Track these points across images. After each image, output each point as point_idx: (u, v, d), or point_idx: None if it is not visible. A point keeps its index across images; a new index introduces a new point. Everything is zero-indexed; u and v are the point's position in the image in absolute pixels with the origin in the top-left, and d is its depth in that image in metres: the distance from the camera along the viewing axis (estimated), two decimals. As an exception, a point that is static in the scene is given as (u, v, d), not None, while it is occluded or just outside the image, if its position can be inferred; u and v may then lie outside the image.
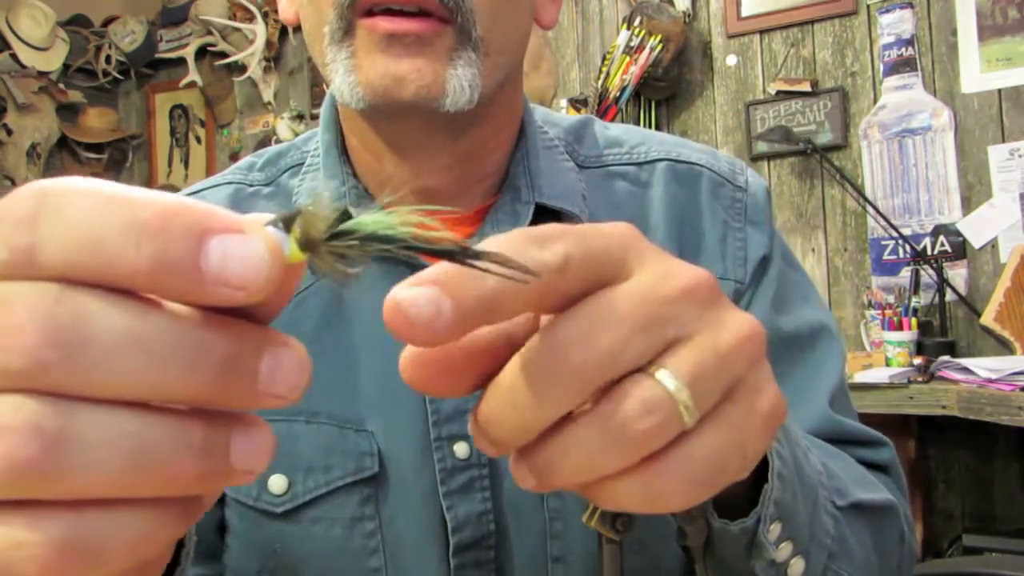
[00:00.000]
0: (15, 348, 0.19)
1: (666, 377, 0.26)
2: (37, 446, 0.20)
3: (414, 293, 0.23)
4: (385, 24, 0.51)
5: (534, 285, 0.24)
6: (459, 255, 0.23)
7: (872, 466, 0.61)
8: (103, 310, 0.20)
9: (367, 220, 0.23)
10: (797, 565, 0.44)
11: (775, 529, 0.42)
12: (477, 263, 0.23)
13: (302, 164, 0.66)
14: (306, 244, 0.22)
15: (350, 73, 0.53)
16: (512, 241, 0.25)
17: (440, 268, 0.24)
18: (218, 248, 0.20)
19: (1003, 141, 2.23)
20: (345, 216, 0.23)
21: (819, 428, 0.60)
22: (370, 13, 0.52)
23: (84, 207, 0.20)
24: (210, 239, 0.21)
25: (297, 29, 0.61)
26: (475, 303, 0.24)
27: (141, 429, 0.21)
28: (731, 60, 2.59)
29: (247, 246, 0.21)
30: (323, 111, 0.65)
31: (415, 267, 0.59)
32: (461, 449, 0.57)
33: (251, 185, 0.66)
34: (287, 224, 0.22)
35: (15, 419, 0.20)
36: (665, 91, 2.59)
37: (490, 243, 0.25)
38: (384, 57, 0.52)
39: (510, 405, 0.26)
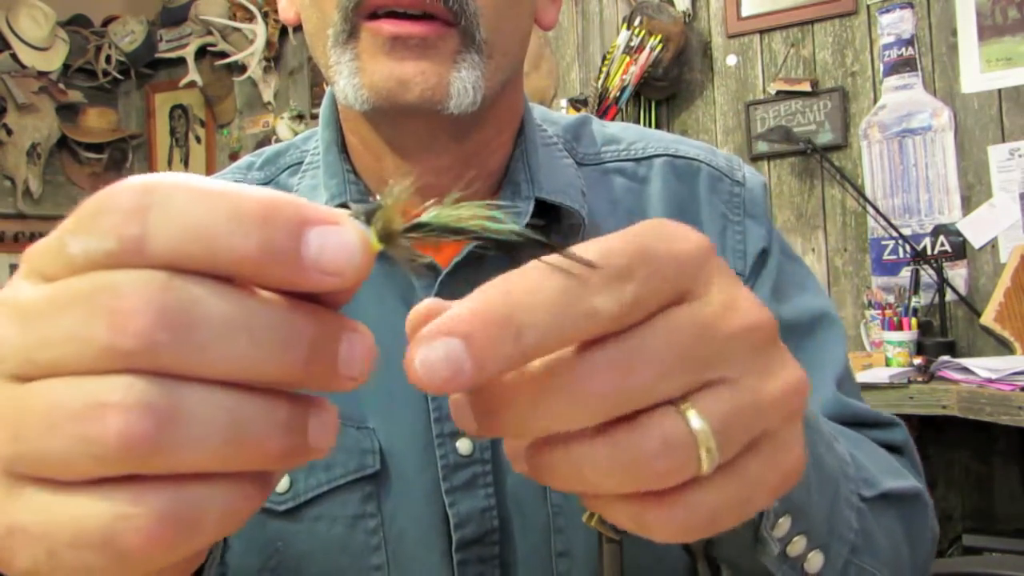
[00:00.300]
0: (128, 331, 0.21)
1: (695, 418, 0.24)
2: (150, 423, 0.21)
3: (430, 356, 0.23)
4: (390, 27, 0.52)
5: (582, 327, 0.23)
6: (524, 246, 0.24)
7: (886, 447, 0.61)
8: (208, 296, 0.21)
9: (439, 214, 0.24)
10: (815, 559, 0.43)
11: (784, 523, 0.42)
12: (541, 253, 0.24)
13: (301, 163, 0.66)
14: (384, 236, 0.24)
15: (354, 75, 0.53)
16: (583, 273, 0.24)
17: (471, 312, 0.23)
18: (317, 237, 0.22)
19: (1003, 141, 2.23)
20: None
21: (830, 412, 0.60)
22: (374, 16, 0.52)
23: (190, 200, 0.21)
24: (309, 229, 0.22)
25: (297, 29, 0.61)
26: (501, 361, 0.23)
27: (238, 407, 0.22)
28: (731, 60, 2.59)
29: (342, 236, 0.22)
30: (323, 109, 0.65)
31: (420, 267, 0.59)
32: (464, 446, 0.57)
33: (250, 184, 0.67)
34: (368, 217, 0.24)
35: (128, 397, 0.21)
36: (665, 91, 2.59)
37: (551, 261, 0.24)
38: (388, 60, 0.52)
39: (526, 403, 0.24)
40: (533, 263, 0.24)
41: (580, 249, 0.24)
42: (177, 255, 0.21)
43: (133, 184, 0.22)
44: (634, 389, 0.24)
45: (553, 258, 0.24)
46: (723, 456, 0.25)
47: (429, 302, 0.27)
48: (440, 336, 0.23)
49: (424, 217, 0.25)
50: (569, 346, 0.24)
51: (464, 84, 0.53)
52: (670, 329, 0.24)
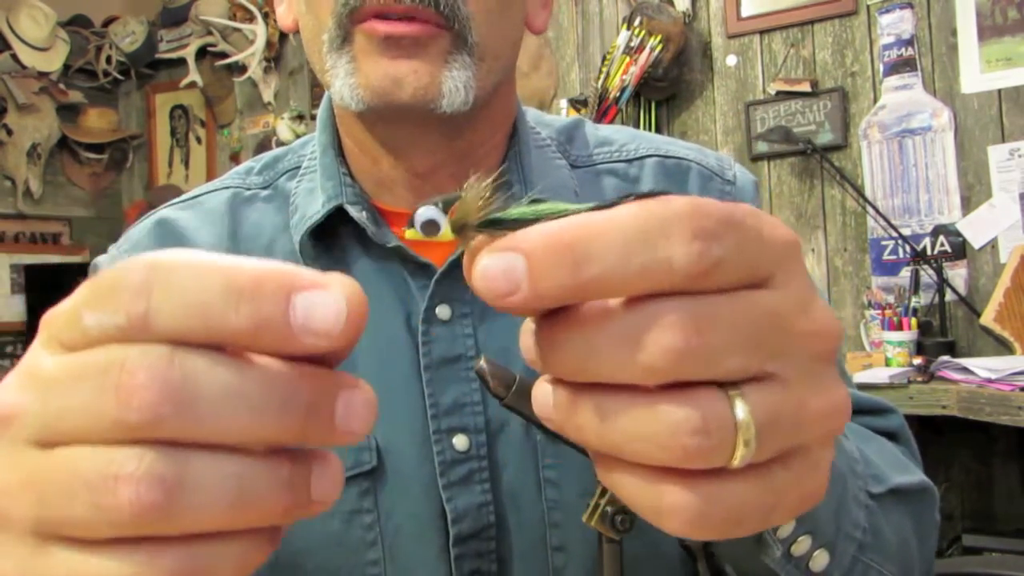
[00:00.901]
0: (136, 405, 0.22)
1: (741, 407, 0.24)
2: (159, 492, 0.22)
3: (491, 266, 0.23)
4: (383, 27, 0.53)
5: (651, 275, 0.23)
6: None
7: (882, 434, 0.62)
8: (209, 368, 0.23)
9: (513, 212, 0.25)
10: (820, 558, 0.43)
11: (787, 525, 0.42)
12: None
13: (299, 167, 0.67)
14: (458, 228, 0.25)
15: (350, 76, 0.54)
16: (665, 219, 0.23)
17: (539, 233, 0.23)
18: (303, 303, 0.23)
19: (1003, 141, 2.23)
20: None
21: None
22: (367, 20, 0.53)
23: (188, 277, 0.23)
24: (295, 296, 0.23)
25: (296, 34, 0.62)
26: (558, 289, 0.23)
27: (242, 470, 0.23)
28: (731, 60, 2.59)
29: (328, 298, 0.23)
30: (319, 113, 0.66)
31: (413, 265, 0.60)
32: (460, 442, 0.58)
33: (249, 188, 0.68)
34: (445, 207, 0.25)
35: (139, 468, 0.22)
36: (665, 91, 2.59)
37: (639, 207, 0.23)
38: (383, 58, 0.53)
39: (585, 341, 0.24)
40: (621, 205, 0.24)
41: (673, 197, 0.23)
42: (178, 330, 0.23)
43: (140, 263, 0.23)
44: (696, 354, 0.23)
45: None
46: (758, 455, 0.24)
47: None
48: (506, 249, 0.23)
49: (501, 213, 0.25)
50: (636, 292, 0.23)
51: (456, 83, 0.54)
52: (748, 306, 0.24)
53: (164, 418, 0.22)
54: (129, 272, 0.23)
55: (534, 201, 0.25)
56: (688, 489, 0.24)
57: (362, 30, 0.53)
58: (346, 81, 0.54)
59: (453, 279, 0.59)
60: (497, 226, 0.25)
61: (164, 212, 0.68)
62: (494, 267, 0.23)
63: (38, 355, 0.25)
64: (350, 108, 0.55)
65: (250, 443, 0.24)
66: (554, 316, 0.25)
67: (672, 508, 0.24)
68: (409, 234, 0.27)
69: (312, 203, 0.62)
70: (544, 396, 0.26)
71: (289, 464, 0.24)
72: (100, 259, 0.68)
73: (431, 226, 0.26)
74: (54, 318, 0.25)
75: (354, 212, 0.60)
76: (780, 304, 0.24)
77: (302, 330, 0.23)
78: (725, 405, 0.24)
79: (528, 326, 0.26)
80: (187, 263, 0.23)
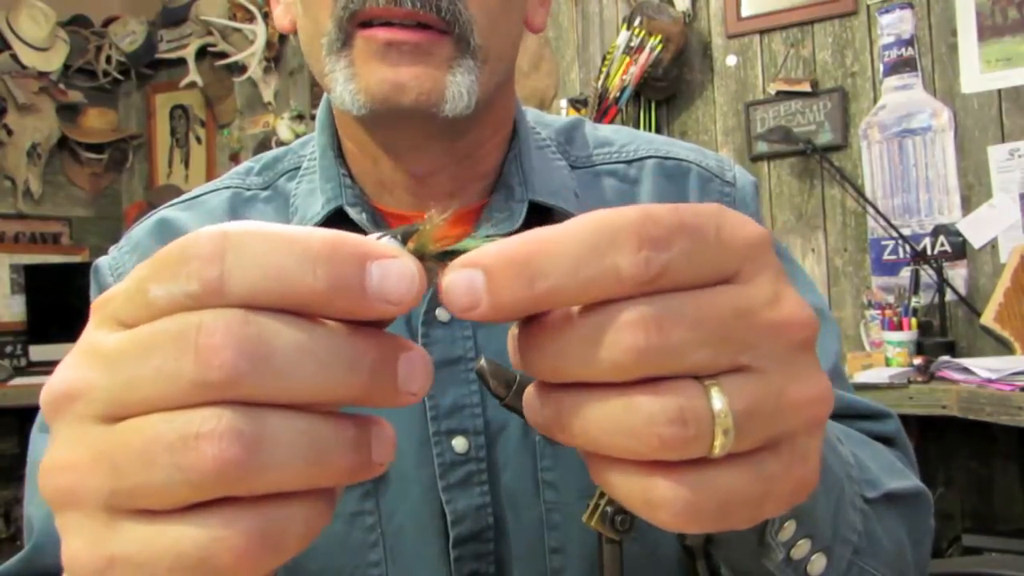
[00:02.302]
0: (215, 365, 0.23)
1: (718, 397, 0.24)
2: (240, 448, 0.22)
3: (454, 282, 0.25)
4: (384, 34, 0.52)
5: (602, 284, 0.24)
6: None
7: (878, 439, 0.62)
8: (282, 329, 0.23)
9: (468, 244, 0.26)
10: (818, 562, 0.44)
11: (789, 527, 0.42)
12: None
13: (299, 168, 0.67)
14: (418, 256, 0.26)
15: (350, 81, 0.54)
16: (613, 231, 0.24)
17: (497, 250, 0.25)
18: (378, 270, 0.24)
19: (1003, 141, 2.23)
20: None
21: None
22: (368, 24, 0.53)
23: (263, 243, 0.24)
24: (371, 263, 0.24)
25: (294, 34, 0.62)
26: (515, 302, 0.24)
27: (314, 429, 0.24)
28: (731, 60, 2.59)
29: (402, 267, 0.24)
30: (318, 114, 0.66)
31: None
32: (459, 444, 0.58)
33: (248, 189, 0.68)
34: (404, 238, 0.26)
35: (219, 426, 0.23)
36: (665, 91, 2.59)
37: (590, 219, 0.24)
38: (382, 65, 0.53)
39: (557, 345, 0.25)
40: (573, 219, 0.25)
41: (623, 208, 0.25)
42: (253, 294, 0.23)
43: (210, 232, 0.24)
44: (660, 350, 0.24)
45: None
46: (738, 444, 0.25)
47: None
48: (467, 265, 0.25)
49: (456, 245, 0.26)
50: (591, 300, 0.25)
51: (459, 88, 0.54)
52: (708, 301, 0.25)
53: (243, 375, 0.23)
54: (200, 241, 0.24)
55: (487, 237, 0.26)
56: (676, 481, 0.25)
57: (363, 36, 0.53)
58: (346, 87, 0.54)
59: None
60: (453, 257, 0.26)
61: (164, 212, 0.68)
62: (457, 282, 0.25)
63: (95, 335, 0.25)
64: (351, 112, 0.55)
65: (321, 402, 0.24)
66: (530, 321, 0.26)
67: (663, 500, 0.25)
68: None
69: (312, 205, 0.62)
70: (532, 400, 0.27)
71: (353, 426, 0.25)
72: (100, 261, 0.68)
73: None
74: (109, 299, 0.26)
75: (354, 214, 0.60)
76: (746, 298, 0.25)
77: (377, 295, 0.24)
78: (701, 395, 0.24)
79: (512, 331, 0.27)
80: (259, 230, 0.24)
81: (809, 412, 0.26)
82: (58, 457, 0.25)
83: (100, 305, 0.26)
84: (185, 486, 0.23)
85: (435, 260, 0.26)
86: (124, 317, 0.25)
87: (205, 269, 0.23)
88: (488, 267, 0.24)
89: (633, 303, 0.24)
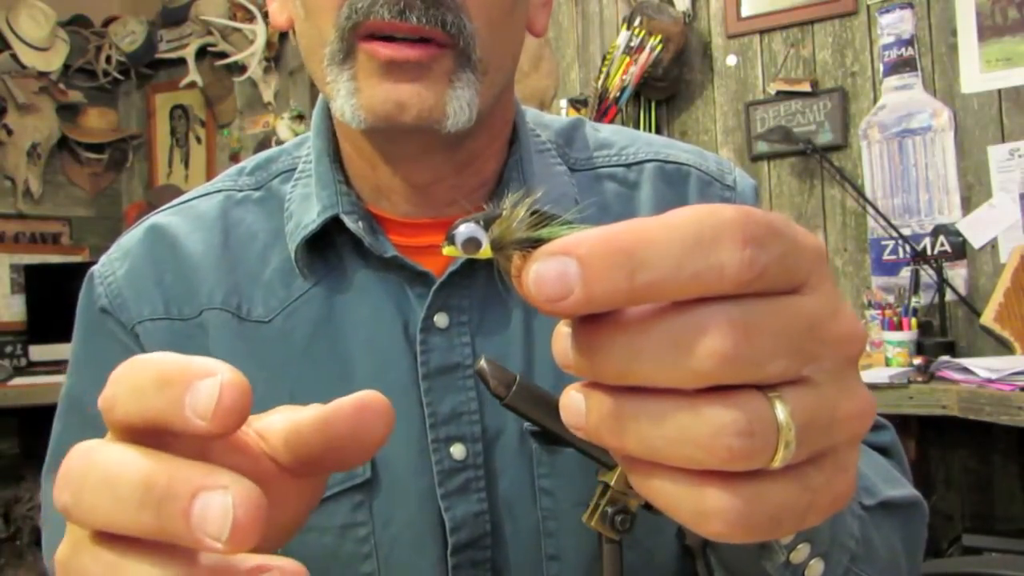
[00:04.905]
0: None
1: (782, 408, 0.24)
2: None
3: (543, 270, 0.23)
4: (386, 51, 0.52)
5: (704, 280, 0.23)
6: None
7: (874, 449, 0.62)
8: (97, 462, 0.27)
9: (553, 231, 0.25)
10: (816, 567, 0.44)
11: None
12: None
13: (294, 169, 0.66)
14: (497, 245, 0.26)
15: (351, 96, 0.53)
16: (718, 225, 0.23)
17: (596, 238, 0.23)
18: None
19: (1003, 141, 2.23)
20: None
21: None
22: (371, 37, 0.52)
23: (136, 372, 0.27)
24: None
25: (292, 32, 0.61)
26: (611, 293, 0.23)
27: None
28: (731, 60, 2.59)
29: (212, 389, 0.25)
30: (314, 117, 0.65)
31: (410, 273, 0.59)
32: (458, 451, 0.57)
33: (240, 190, 0.66)
34: (487, 224, 0.26)
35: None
36: (665, 91, 2.59)
37: (690, 213, 0.23)
38: (385, 82, 0.52)
39: (630, 345, 0.24)
40: (672, 211, 0.24)
41: (720, 204, 0.24)
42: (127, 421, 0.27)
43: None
44: (744, 358, 0.23)
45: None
46: (796, 455, 0.24)
47: None
48: (560, 253, 0.23)
49: (541, 232, 0.25)
50: (687, 297, 0.23)
51: (460, 103, 0.53)
52: (790, 311, 0.24)
53: (67, 509, 0.26)
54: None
55: (568, 225, 0.25)
56: (730, 491, 0.24)
57: (365, 50, 0.52)
58: (347, 101, 0.54)
59: (452, 287, 0.59)
60: (537, 245, 0.25)
61: (155, 218, 0.66)
62: (547, 271, 0.23)
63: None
64: (351, 126, 0.55)
65: (126, 535, 0.26)
66: (595, 319, 0.24)
67: (715, 511, 0.24)
68: (447, 251, 0.27)
69: (307, 211, 0.61)
70: (575, 403, 0.26)
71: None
72: (95, 270, 0.66)
73: (472, 243, 0.26)
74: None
75: (350, 222, 0.59)
76: (815, 309, 0.25)
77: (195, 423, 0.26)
78: (767, 407, 0.24)
79: (562, 330, 0.26)
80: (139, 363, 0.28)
81: (855, 426, 0.26)
82: None
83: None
84: None
85: (518, 247, 0.25)
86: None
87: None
88: (584, 256, 0.23)
89: (725, 306, 0.23)
